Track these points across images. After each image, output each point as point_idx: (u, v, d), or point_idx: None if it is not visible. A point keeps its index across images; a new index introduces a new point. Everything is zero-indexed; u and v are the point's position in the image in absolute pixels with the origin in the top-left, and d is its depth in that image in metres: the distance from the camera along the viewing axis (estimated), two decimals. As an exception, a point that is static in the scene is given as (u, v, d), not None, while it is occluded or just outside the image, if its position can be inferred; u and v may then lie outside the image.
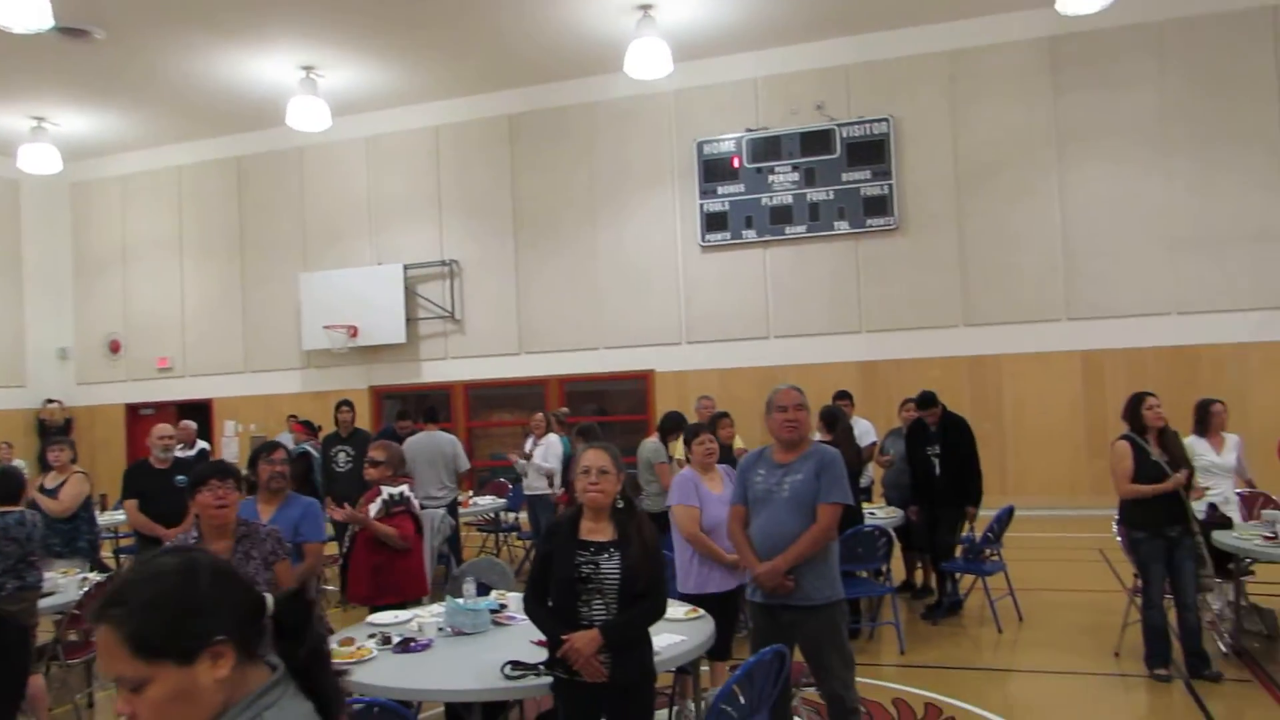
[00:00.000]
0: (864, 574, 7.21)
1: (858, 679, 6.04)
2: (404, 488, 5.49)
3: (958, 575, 7.67)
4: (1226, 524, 6.63)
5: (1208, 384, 10.87)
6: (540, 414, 10.23)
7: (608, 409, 14.99)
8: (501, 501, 10.17)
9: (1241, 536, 6.21)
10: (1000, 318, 13.09)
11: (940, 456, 7.63)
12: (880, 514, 7.67)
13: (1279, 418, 7.33)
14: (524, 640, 4.14)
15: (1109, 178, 12.78)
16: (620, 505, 3.61)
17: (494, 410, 16.04)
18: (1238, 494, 7.14)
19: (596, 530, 3.57)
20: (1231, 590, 6.66)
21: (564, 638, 3.43)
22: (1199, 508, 6.46)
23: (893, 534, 7.13)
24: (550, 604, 3.57)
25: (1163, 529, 5.98)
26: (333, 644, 4.23)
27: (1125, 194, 12.69)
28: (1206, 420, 7.15)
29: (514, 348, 15.23)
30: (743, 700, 3.66)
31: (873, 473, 8.87)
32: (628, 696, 3.48)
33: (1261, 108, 12.26)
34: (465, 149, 15.63)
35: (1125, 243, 12.66)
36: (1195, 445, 7.04)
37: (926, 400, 7.73)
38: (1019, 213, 13.11)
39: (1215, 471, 7.01)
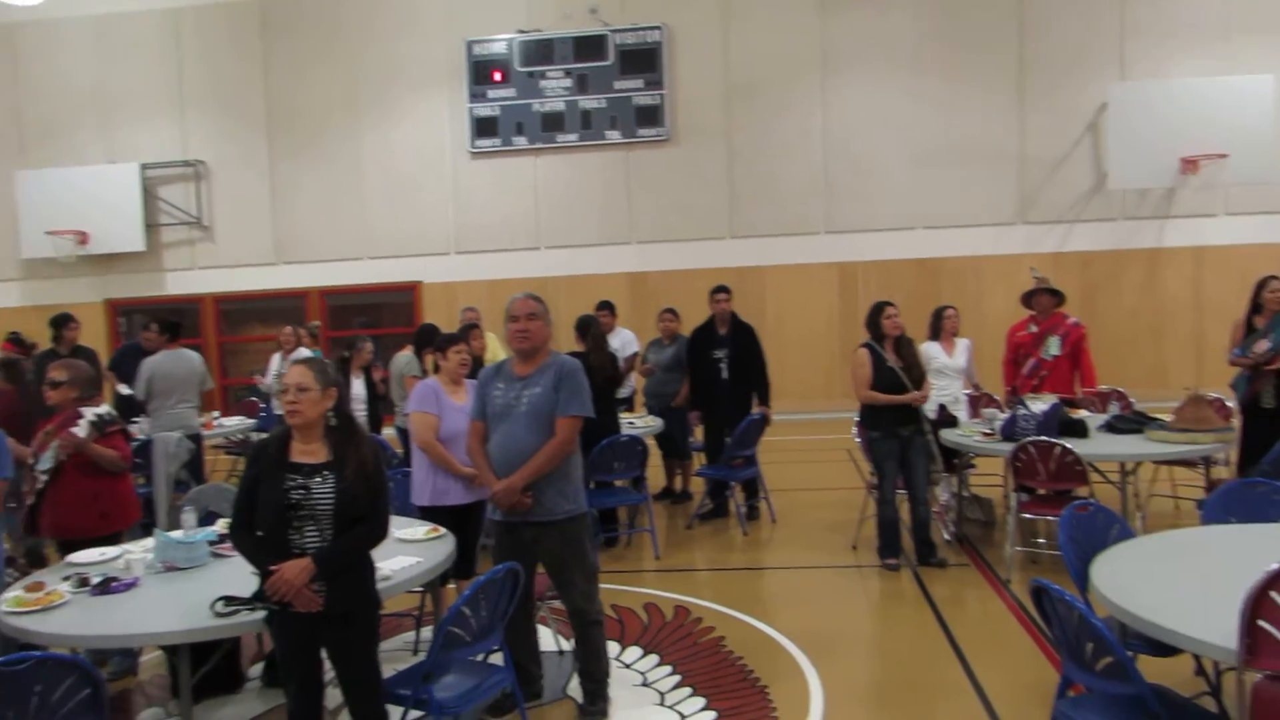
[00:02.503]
0: (621, 483, 7.27)
1: (614, 586, 6.16)
2: (106, 407, 4.95)
3: (730, 484, 7.83)
4: (954, 422, 7.09)
5: (949, 294, 11.60)
6: (289, 328, 9.60)
7: (376, 322, 14.36)
8: (252, 422, 9.54)
9: (965, 434, 6.66)
10: (765, 230, 13.44)
11: (728, 361, 7.74)
12: (639, 423, 7.72)
13: (1008, 323, 7.87)
14: (247, 573, 3.83)
15: (867, 97, 13.26)
16: (334, 424, 3.34)
17: (249, 325, 15.05)
18: (965, 394, 7.66)
19: (308, 452, 3.29)
20: (956, 483, 7.19)
21: (272, 568, 3.16)
22: (930, 407, 6.88)
23: (652, 442, 7.20)
24: (259, 533, 3.28)
25: (896, 429, 6.33)
26: (16, 590, 3.77)
27: (880, 113, 13.22)
28: (939, 325, 7.60)
29: (270, 257, 14.27)
30: (473, 621, 3.54)
31: (635, 382, 8.92)
32: (347, 626, 3.27)
33: (1002, 36, 13.00)
34: (210, 38, 14.27)
35: (879, 160, 13.24)
36: (929, 349, 7.48)
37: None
38: (784, 128, 13.40)
39: (946, 373, 7.48)
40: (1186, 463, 6.79)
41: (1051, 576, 3.32)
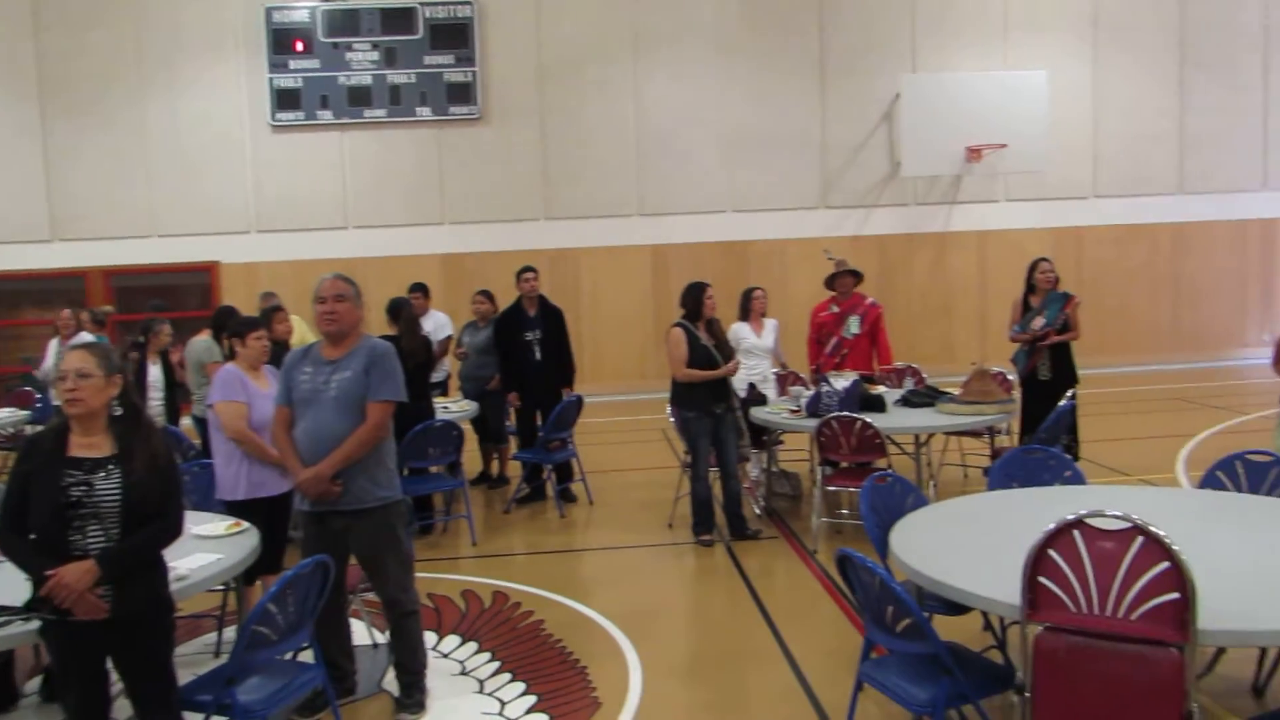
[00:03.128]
0: (437, 469, 7.12)
1: (430, 575, 6.03)
2: None
3: (547, 467, 7.79)
4: (763, 400, 7.33)
5: (757, 276, 12.00)
6: (67, 311, 8.84)
7: (169, 305, 13.44)
8: (26, 414, 8.74)
9: (773, 411, 6.89)
10: (579, 212, 13.45)
11: (540, 342, 7.67)
12: (454, 407, 7.58)
13: (812, 304, 8.20)
14: (19, 580, 3.49)
15: (678, 80, 13.46)
16: (119, 413, 3.09)
17: (22, 308, 13.78)
18: (773, 373, 7.93)
19: (89, 445, 3.02)
20: (765, 459, 7.44)
21: (49, 573, 2.90)
22: (739, 386, 7.08)
23: (468, 427, 7.07)
24: (33, 536, 2.99)
25: (709, 407, 6.48)
26: None
27: (691, 97, 13.46)
28: (748, 306, 7.82)
29: (44, 233, 13.08)
30: (280, 618, 3.38)
31: (449, 366, 8.75)
32: (136, 631, 3.04)
33: (804, 24, 13.49)
34: (-36, -9, 12.88)
35: (691, 143, 13.49)
36: (738, 329, 7.69)
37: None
38: (598, 110, 13.43)
39: (755, 353, 7.72)
40: (973, 433, 7.28)
41: (855, 545, 3.48)
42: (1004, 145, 12.71)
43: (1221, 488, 4.39)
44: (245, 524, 4.22)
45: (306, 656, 3.78)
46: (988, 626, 4.13)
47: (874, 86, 13.56)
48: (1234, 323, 14.44)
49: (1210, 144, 14.16)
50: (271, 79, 13.06)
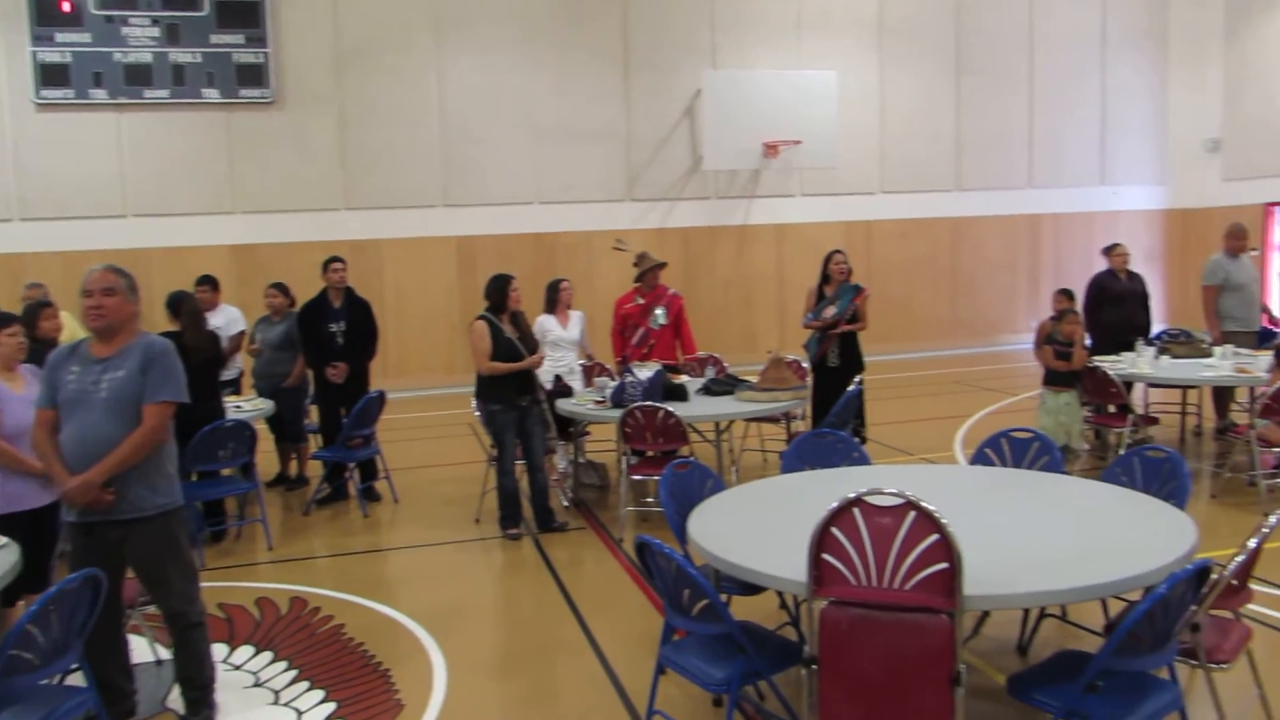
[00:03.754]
0: (229, 471, 6.76)
1: (222, 583, 5.72)
2: None
3: (349, 465, 7.53)
4: (569, 392, 7.36)
5: (563, 268, 12.01)
6: None
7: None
8: None
9: (579, 403, 6.93)
10: (381, 202, 13.08)
11: (344, 334, 7.39)
12: (247, 406, 7.21)
13: (617, 296, 8.30)
14: None
15: (482, 69, 13.28)
16: None
17: None
18: (580, 365, 7.97)
19: None
20: (572, 450, 7.48)
21: None
22: (546, 378, 7.08)
23: (263, 426, 6.75)
24: None
25: (514, 400, 6.45)
26: None
27: (496, 86, 13.31)
28: (555, 299, 7.82)
29: None
30: (42, 640, 3.11)
31: (242, 363, 8.33)
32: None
33: (608, 14, 13.61)
34: None
35: (496, 133, 13.35)
36: (544, 322, 7.68)
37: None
38: (399, 97, 13.08)
39: (561, 345, 7.73)
40: (771, 419, 7.58)
41: (660, 533, 3.55)
42: (798, 142, 13.28)
43: (989, 463, 4.75)
44: (3, 539, 3.86)
45: (78, 679, 3.51)
46: (783, 605, 4.30)
47: (676, 81, 13.84)
48: (1005, 310, 15.65)
49: (983, 144, 15.27)
50: (35, 52, 11.98)
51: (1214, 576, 3.07)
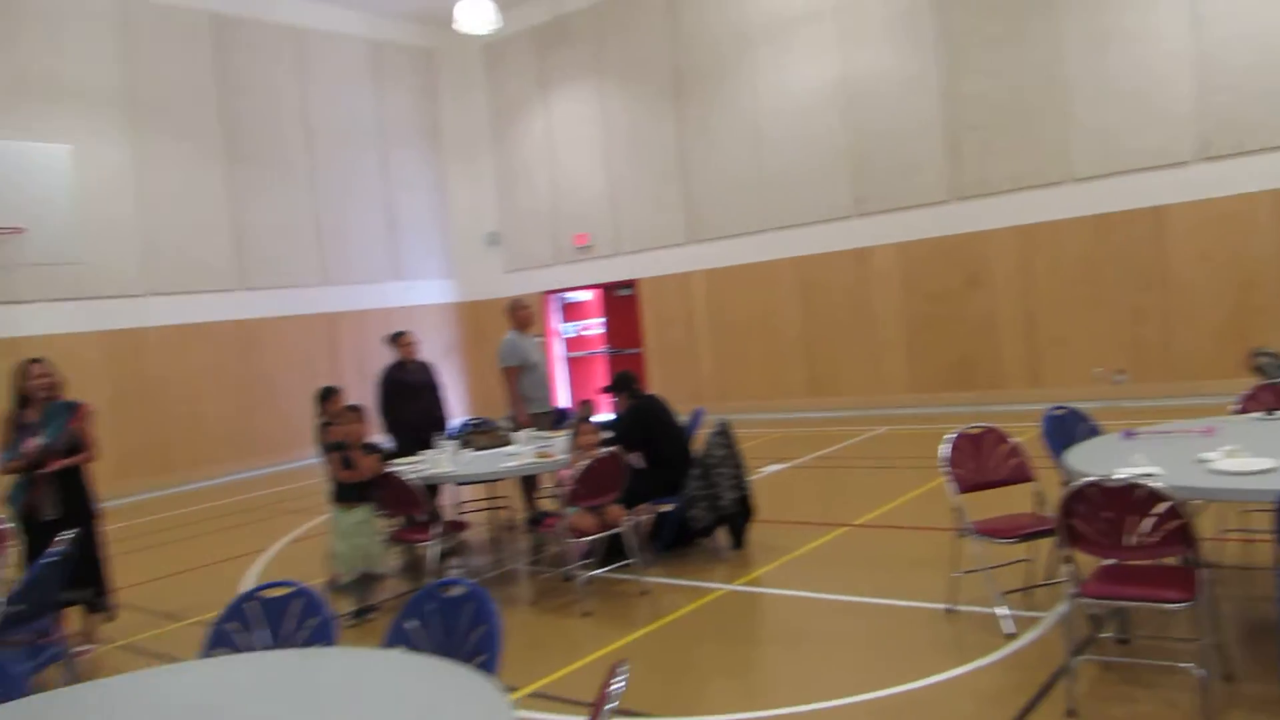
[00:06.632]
0: None
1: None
2: None
3: None
4: None
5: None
6: None
7: None
8: None
9: None
10: None
11: None
12: None
13: None
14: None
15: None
16: None
17: None
18: None
19: None
20: None
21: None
22: None
23: None
24: None
25: None
26: None
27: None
28: None
29: None
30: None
31: None
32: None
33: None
34: None
35: None
36: None
37: None
38: None
39: None
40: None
41: None
42: (20, 229, 10.39)
43: (232, 646, 3.14)
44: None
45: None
46: None
47: None
48: (307, 419, 14.25)
49: (267, 239, 13.90)
50: None
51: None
